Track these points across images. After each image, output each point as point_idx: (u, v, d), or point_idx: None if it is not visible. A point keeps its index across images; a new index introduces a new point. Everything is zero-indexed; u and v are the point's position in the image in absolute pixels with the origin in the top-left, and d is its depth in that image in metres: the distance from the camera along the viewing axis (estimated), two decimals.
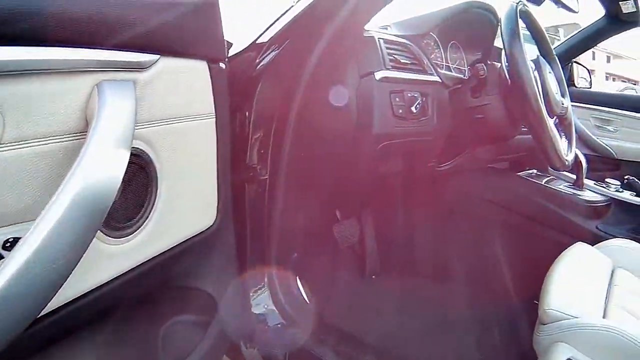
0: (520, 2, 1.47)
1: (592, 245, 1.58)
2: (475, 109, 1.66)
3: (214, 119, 0.86)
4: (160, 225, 0.78)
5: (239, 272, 1.12)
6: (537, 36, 1.72)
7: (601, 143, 2.73)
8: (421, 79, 1.48)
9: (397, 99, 1.35)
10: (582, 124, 2.76)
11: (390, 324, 1.69)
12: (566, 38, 2.69)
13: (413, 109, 1.40)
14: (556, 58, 1.78)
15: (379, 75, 1.30)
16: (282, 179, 1.16)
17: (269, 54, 1.06)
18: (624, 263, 1.51)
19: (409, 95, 1.39)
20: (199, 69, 0.81)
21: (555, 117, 1.58)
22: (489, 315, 1.78)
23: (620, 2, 2.22)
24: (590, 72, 2.92)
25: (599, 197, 1.95)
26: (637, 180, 1.83)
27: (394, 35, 1.55)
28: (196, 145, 0.84)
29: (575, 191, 1.96)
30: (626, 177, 1.87)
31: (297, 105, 1.12)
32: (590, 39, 2.59)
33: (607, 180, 2.04)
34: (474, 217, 2.04)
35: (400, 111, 1.37)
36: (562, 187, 1.99)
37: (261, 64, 1.06)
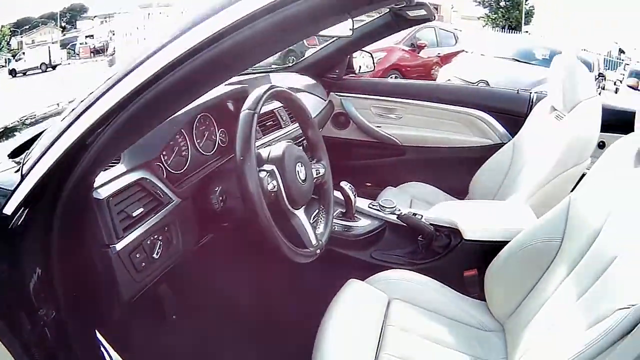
0: (269, 90, 1.43)
1: (369, 274, 1.61)
2: (221, 216, 1.54)
3: None
4: None
5: None
6: (297, 116, 1.69)
7: (383, 133, 2.71)
8: (158, 219, 1.37)
9: (138, 255, 1.28)
10: (364, 114, 2.72)
11: None
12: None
13: (155, 255, 1.34)
14: (317, 130, 1.70)
15: (114, 249, 1.22)
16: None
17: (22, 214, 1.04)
18: (399, 294, 1.54)
19: (147, 243, 1.32)
20: None
21: (302, 205, 1.51)
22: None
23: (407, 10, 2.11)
24: (373, 56, 2.85)
25: (373, 224, 1.90)
26: (411, 216, 1.82)
27: (126, 170, 1.34)
28: None
29: (346, 222, 1.89)
30: (400, 213, 1.86)
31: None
32: (375, 32, 2.45)
33: (381, 202, 1.95)
34: (254, 261, 1.93)
35: (143, 264, 1.30)
36: None
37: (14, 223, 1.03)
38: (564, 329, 1.19)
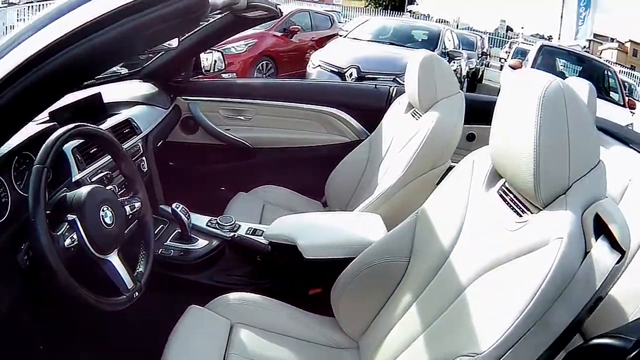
0: (66, 133, 1.34)
1: (211, 298, 1.53)
2: (34, 271, 1.41)
3: None
4: None
5: None
6: (107, 150, 1.61)
7: (231, 136, 2.61)
8: None
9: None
10: (212, 117, 2.60)
11: None
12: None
13: None
14: (131, 163, 1.60)
15: None
16: None
17: None
18: (241, 318, 1.47)
19: None
20: None
21: (114, 249, 1.40)
22: None
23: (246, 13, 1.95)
24: (224, 55, 2.70)
25: (211, 245, 1.81)
26: (245, 238, 1.80)
27: None
28: None
29: (183, 245, 1.79)
30: (234, 235, 1.83)
31: None
32: (220, 33, 2.30)
33: (219, 220, 1.87)
34: None
35: None
36: (168, 242, 1.80)
37: None
38: (411, 357, 1.17)
